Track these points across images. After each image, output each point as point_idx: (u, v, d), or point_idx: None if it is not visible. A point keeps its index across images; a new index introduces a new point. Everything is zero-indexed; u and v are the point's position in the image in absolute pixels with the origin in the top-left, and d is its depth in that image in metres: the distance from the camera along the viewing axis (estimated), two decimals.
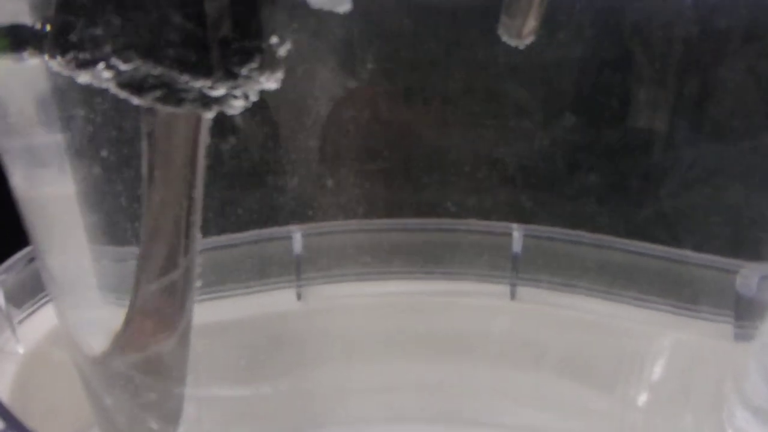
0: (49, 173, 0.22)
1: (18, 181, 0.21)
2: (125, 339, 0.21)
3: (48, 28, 0.19)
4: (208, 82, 0.18)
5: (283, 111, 0.26)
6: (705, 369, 0.27)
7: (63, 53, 0.18)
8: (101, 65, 0.18)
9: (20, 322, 0.25)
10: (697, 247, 0.28)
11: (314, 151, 0.28)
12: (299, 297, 0.29)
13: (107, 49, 0.18)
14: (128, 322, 0.21)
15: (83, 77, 0.18)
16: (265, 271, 0.28)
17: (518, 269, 0.29)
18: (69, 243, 0.22)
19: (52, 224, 0.22)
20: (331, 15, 0.20)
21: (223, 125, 0.22)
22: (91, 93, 0.20)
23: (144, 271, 0.22)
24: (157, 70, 0.18)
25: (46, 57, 0.19)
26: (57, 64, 0.19)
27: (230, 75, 0.18)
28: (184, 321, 0.23)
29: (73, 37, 0.18)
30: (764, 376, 0.25)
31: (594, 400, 0.28)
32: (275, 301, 0.28)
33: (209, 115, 0.19)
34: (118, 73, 0.18)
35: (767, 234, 0.27)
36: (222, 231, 0.27)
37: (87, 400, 0.22)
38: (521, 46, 0.22)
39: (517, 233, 0.28)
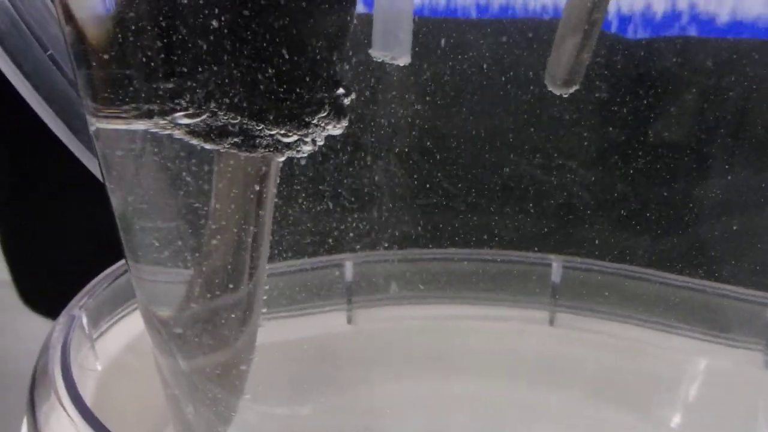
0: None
1: (118, 198, 0.22)
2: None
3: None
4: (282, 130, 0.20)
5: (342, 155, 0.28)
6: (736, 393, 0.29)
7: (121, 104, 0.19)
8: (170, 116, 0.19)
9: (97, 338, 0.27)
10: (729, 279, 0.29)
11: (366, 189, 0.29)
12: (349, 320, 0.31)
13: (183, 102, 0.19)
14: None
15: (140, 125, 0.19)
16: (320, 295, 0.30)
17: (557, 297, 0.30)
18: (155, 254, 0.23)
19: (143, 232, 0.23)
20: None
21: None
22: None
23: (201, 291, 0.24)
24: (236, 120, 0.20)
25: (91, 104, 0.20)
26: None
27: (303, 124, 0.20)
28: (245, 339, 0.25)
29: (138, 89, 0.19)
30: None
31: (628, 422, 0.29)
32: (328, 323, 0.30)
33: (281, 158, 0.21)
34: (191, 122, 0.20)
35: None
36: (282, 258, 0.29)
37: (166, 404, 0.24)
38: (565, 95, 0.23)
39: (555, 264, 0.30)
